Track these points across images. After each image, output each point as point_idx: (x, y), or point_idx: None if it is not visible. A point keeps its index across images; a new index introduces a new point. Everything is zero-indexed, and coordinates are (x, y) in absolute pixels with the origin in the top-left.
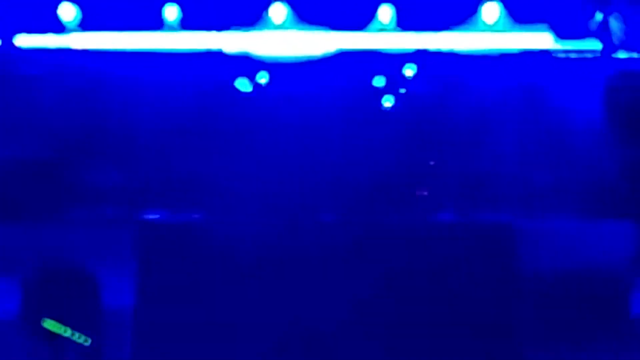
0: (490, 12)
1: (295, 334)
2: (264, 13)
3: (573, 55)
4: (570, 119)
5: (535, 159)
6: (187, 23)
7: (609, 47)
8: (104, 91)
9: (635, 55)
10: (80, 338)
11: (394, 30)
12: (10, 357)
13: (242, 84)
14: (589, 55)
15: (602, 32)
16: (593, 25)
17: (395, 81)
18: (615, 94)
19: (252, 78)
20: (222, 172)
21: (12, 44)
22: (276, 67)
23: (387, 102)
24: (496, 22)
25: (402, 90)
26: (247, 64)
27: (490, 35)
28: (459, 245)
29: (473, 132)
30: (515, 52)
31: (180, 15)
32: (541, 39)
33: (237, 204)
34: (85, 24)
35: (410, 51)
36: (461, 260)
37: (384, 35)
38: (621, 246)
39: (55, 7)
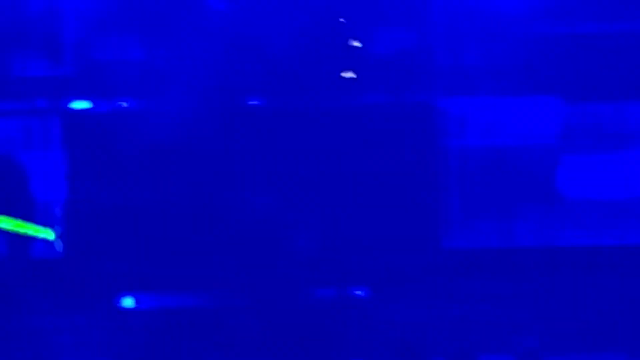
0: None
1: (224, 217)
2: None
3: None
4: None
5: (461, 36)
6: None
7: None
8: None
9: None
10: (41, 232)
11: None
12: None
13: None
14: None
15: None
16: None
17: None
18: None
19: None
20: (149, 58)
21: None
22: None
23: None
24: None
25: None
26: None
27: None
28: (387, 126)
29: (399, 12)
30: None
31: None
32: None
33: (164, 90)
34: None
35: None
36: (388, 141)
37: None
38: (547, 122)
39: None
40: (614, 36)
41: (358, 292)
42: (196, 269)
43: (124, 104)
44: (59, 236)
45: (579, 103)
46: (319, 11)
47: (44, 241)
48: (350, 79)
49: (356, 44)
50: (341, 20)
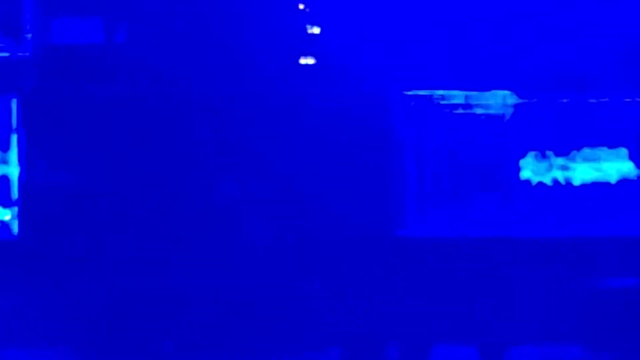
0: None
1: (179, 202)
2: None
3: None
4: None
5: (424, 27)
6: None
7: None
8: None
9: None
10: None
11: None
12: None
13: None
14: None
15: None
16: None
17: None
18: None
19: None
20: (109, 42)
21: None
22: None
23: None
24: None
25: None
26: None
27: None
28: (344, 115)
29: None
30: None
31: None
32: None
33: (123, 74)
34: None
35: None
36: (345, 130)
37: None
38: (505, 115)
39: None
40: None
41: (313, 282)
42: (152, 253)
43: (83, 87)
44: (15, 217)
45: (536, 95)
46: None
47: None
48: (309, 66)
49: (315, 30)
50: (301, 6)
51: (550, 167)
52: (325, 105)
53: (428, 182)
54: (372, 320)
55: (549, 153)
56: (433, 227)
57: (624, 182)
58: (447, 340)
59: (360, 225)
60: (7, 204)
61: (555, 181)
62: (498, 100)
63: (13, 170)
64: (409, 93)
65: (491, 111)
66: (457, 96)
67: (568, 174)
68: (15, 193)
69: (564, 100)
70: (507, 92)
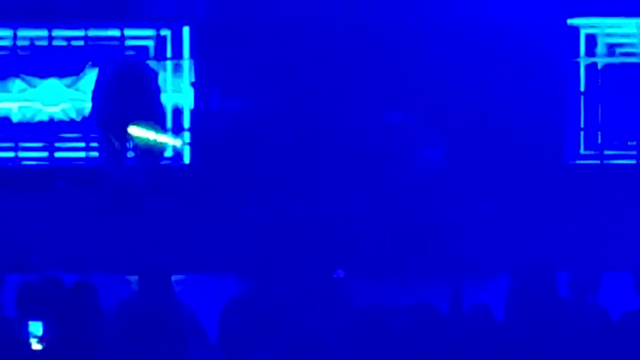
0: None
1: (340, 131)
2: None
3: None
4: None
5: None
6: None
7: None
8: None
9: None
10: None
11: None
12: None
13: None
14: None
15: None
16: None
17: None
18: None
19: None
20: None
21: None
22: None
23: None
24: None
25: None
26: None
27: None
28: (518, 41)
29: None
30: None
31: None
32: None
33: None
34: None
35: None
36: (518, 56)
37: None
38: None
39: None
40: None
41: (484, 208)
42: (321, 179)
43: (255, 14)
44: (187, 144)
45: None
46: None
47: (173, 149)
48: None
49: None
50: None
51: None
52: (494, 32)
53: (598, 110)
54: (542, 248)
55: None
56: (603, 155)
57: None
58: (617, 268)
59: (530, 152)
60: (178, 131)
61: None
62: None
63: (185, 98)
64: (574, 21)
65: None
66: (625, 25)
67: None
68: (187, 121)
69: None
70: None
